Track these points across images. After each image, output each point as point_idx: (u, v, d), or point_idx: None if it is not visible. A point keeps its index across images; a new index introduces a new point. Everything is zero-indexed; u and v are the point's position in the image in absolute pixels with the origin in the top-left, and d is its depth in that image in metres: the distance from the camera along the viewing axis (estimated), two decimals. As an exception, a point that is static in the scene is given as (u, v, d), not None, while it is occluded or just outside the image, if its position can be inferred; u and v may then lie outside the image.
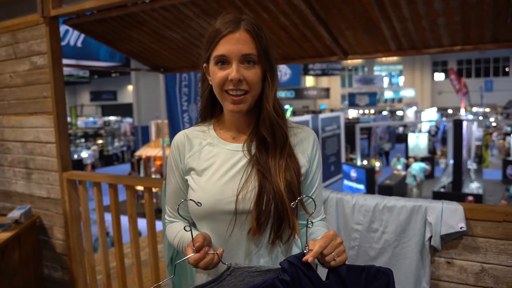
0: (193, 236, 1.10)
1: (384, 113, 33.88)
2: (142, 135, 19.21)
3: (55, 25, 2.82)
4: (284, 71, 24.18)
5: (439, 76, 33.36)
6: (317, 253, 1.04)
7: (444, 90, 32.03)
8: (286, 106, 27.34)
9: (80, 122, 29.72)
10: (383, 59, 32.34)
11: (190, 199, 1.18)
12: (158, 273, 2.71)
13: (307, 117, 15.81)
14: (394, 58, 31.80)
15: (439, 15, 2.33)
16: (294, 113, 29.00)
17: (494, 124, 24.76)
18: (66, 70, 16.85)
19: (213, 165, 1.24)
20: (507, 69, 31.11)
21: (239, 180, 1.20)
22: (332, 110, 29.76)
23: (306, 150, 1.29)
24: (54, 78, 2.81)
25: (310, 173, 1.29)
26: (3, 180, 3.30)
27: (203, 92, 1.31)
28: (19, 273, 2.95)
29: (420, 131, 22.57)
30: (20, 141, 3.10)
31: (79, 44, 10.06)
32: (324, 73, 26.81)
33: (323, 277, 1.09)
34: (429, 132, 22.24)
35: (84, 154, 21.50)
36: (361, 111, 34.46)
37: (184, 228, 1.16)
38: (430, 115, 25.59)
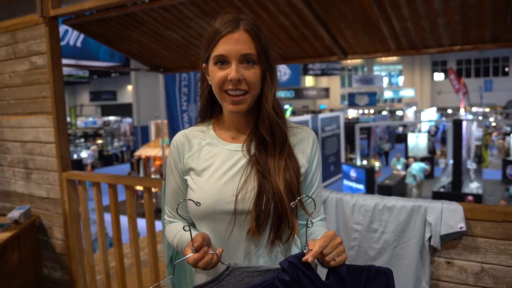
0: (192, 236, 1.10)
1: (384, 113, 33.90)
2: (142, 135, 19.20)
3: (55, 25, 2.82)
4: (283, 71, 24.18)
5: (439, 76, 33.38)
6: (317, 253, 1.04)
7: (443, 90, 32.04)
8: (286, 106, 27.40)
9: (80, 122, 29.72)
10: (383, 59, 32.35)
11: (190, 199, 1.18)
12: (158, 273, 2.71)
13: (307, 117, 15.81)
14: (394, 58, 31.81)
15: (438, 15, 2.33)
16: (293, 113, 29.00)
17: (493, 124, 24.77)
18: (66, 70, 16.85)
19: (212, 165, 1.24)
20: (506, 69, 31.12)
21: (239, 180, 1.20)
22: (331, 110, 29.76)
23: (306, 150, 1.29)
24: (53, 78, 2.81)
25: (309, 173, 1.29)
26: (2, 180, 3.30)
27: (203, 92, 1.31)
28: (18, 273, 2.95)
29: (419, 131, 22.58)
30: (20, 141, 3.10)
31: (78, 44, 10.06)
32: (324, 73, 26.82)
33: (323, 277, 1.09)
34: (428, 132, 22.25)
35: (84, 154, 21.50)
36: (360, 111, 34.48)
37: (183, 228, 1.16)
38: (430, 115, 25.59)
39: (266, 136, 1.21)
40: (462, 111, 23.33)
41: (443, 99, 32.57)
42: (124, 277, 2.87)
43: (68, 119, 25.92)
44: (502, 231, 1.67)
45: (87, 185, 3.23)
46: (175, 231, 1.31)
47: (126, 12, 2.72)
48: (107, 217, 2.81)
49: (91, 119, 31.68)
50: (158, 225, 2.91)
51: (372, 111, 34.44)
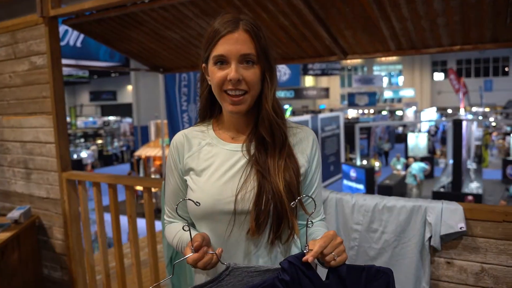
0: (192, 236, 1.10)
1: (384, 113, 33.90)
2: (142, 135, 19.21)
3: (55, 25, 2.81)
4: (283, 71, 24.18)
5: (439, 76, 33.38)
6: (317, 253, 1.04)
7: (443, 90, 32.04)
8: (286, 106, 27.39)
9: (80, 122, 29.72)
10: (383, 59, 32.35)
11: (189, 199, 1.18)
12: (158, 273, 2.71)
13: (307, 117, 15.81)
14: (394, 58, 31.82)
15: (438, 15, 2.33)
16: (293, 113, 29.00)
17: (493, 124, 24.77)
18: (66, 70, 16.85)
19: (212, 165, 1.24)
20: (506, 69, 31.13)
21: (238, 180, 1.20)
22: (331, 110, 29.76)
23: (306, 150, 1.29)
24: (53, 78, 2.80)
25: (309, 173, 1.29)
26: (2, 180, 3.30)
27: (202, 92, 1.31)
28: (18, 273, 2.95)
29: (419, 131, 22.59)
30: (20, 141, 3.10)
31: (78, 44, 10.06)
32: (324, 73, 26.82)
33: (323, 277, 1.09)
34: (428, 132, 22.25)
35: (84, 154, 21.51)
36: (360, 111, 34.48)
37: (183, 228, 1.16)
38: (430, 115, 25.60)
39: (265, 136, 1.21)
40: (462, 111, 23.34)
41: (443, 99, 32.58)
42: (124, 277, 2.86)
43: (68, 119, 25.92)
44: (502, 231, 1.67)
45: (87, 185, 3.23)
46: (175, 231, 1.31)
47: (126, 12, 2.72)
48: (107, 217, 2.81)
49: (91, 119, 31.69)
50: (158, 225, 2.91)
51: (372, 111, 34.44)
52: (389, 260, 1.86)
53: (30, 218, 3.05)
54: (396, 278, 1.19)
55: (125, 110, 32.44)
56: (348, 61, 32.01)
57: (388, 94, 35.23)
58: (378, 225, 1.88)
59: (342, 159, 16.82)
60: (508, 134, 21.62)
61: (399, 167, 14.94)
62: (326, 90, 31.42)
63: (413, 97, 32.84)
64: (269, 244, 1.20)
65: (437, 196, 11.19)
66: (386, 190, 12.36)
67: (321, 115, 16.51)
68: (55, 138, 2.86)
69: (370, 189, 11.92)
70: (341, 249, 1.07)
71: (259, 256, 1.21)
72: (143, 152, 14.57)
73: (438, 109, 30.77)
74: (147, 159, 14.79)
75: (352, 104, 29.17)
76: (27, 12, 3.00)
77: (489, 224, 1.70)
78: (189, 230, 1.11)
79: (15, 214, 2.95)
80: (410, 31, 2.60)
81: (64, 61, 2.99)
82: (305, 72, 26.56)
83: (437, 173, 16.15)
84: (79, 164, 19.29)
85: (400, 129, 28.24)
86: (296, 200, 1.13)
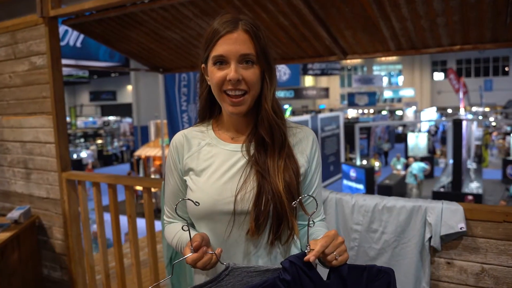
0: (191, 236, 1.10)
1: (384, 112, 33.91)
2: (142, 135, 19.20)
3: (54, 25, 2.81)
4: (283, 71, 24.19)
5: (439, 76, 33.39)
6: (319, 253, 1.03)
7: (443, 90, 32.05)
8: (286, 106, 27.39)
9: (80, 122, 29.75)
10: (382, 58, 32.35)
11: (188, 199, 1.18)
12: (157, 273, 2.70)
13: (307, 116, 15.81)
14: (393, 58, 31.83)
15: (438, 14, 2.33)
16: (293, 113, 29.00)
17: (493, 123, 24.78)
18: (66, 70, 16.86)
19: (211, 165, 1.24)
20: (506, 69, 31.13)
21: (238, 180, 1.20)
22: (331, 110, 29.76)
23: (305, 150, 1.29)
24: (53, 78, 2.80)
25: (309, 173, 1.29)
26: (2, 180, 3.30)
27: (202, 92, 1.30)
28: (18, 273, 2.95)
29: (419, 130, 22.59)
30: (20, 141, 3.09)
31: (78, 44, 10.07)
32: (324, 73, 26.81)
33: (324, 277, 1.09)
34: (428, 131, 22.25)
35: (84, 154, 21.52)
36: (360, 111, 34.49)
37: (182, 228, 1.16)
38: (430, 114, 25.60)
39: (265, 136, 1.21)
40: (462, 111, 23.33)
41: (443, 99, 32.59)
42: (123, 277, 2.86)
43: (68, 119, 25.94)
44: (503, 232, 1.67)
45: (87, 185, 3.23)
46: (174, 231, 1.31)
47: (125, 12, 2.72)
48: (107, 217, 2.81)
49: (91, 119, 31.73)
50: (157, 225, 2.91)
51: (371, 111, 34.46)
52: (389, 261, 1.86)
53: (30, 218, 3.05)
54: (396, 278, 1.19)
55: (125, 110, 32.45)
56: (348, 61, 32.03)
57: (388, 94, 35.25)
58: (378, 225, 1.88)
59: (342, 159, 16.82)
60: (508, 134, 21.62)
61: (399, 167, 14.94)
62: (326, 90, 31.41)
63: (413, 97, 32.85)
64: (269, 244, 1.20)
65: (437, 196, 11.19)
66: (386, 190, 12.36)
67: (321, 115, 16.52)
68: (55, 138, 2.86)
69: (370, 189, 11.92)
70: (342, 248, 1.07)
71: (258, 257, 1.21)
72: (143, 152, 14.58)
73: (438, 109, 30.78)
74: (147, 159, 14.80)
75: (352, 104, 29.18)
76: (27, 12, 3.00)
77: (490, 224, 1.70)
78: (189, 230, 1.10)
79: (15, 214, 2.94)
80: (410, 31, 2.60)
81: (64, 61, 2.98)
82: (305, 72, 26.56)
83: (437, 173, 16.15)
84: (79, 164, 19.30)
85: (400, 129, 28.25)
86: (298, 200, 1.13)
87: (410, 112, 28.25)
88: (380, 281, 1.11)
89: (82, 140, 26.00)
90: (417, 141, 18.44)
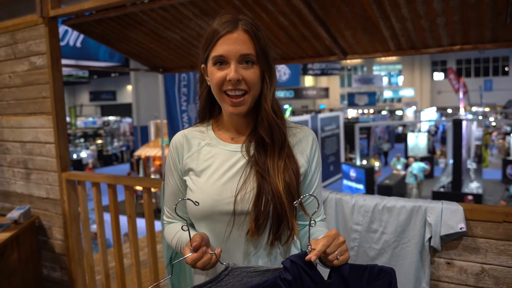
0: (191, 236, 1.10)
1: (384, 112, 33.92)
2: (141, 135, 19.20)
3: (54, 25, 2.81)
4: (283, 71, 24.19)
5: (439, 76, 33.40)
6: (320, 252, 1.03)
7: (443, 90, 32.06)
8: (286, 106, 27.39)
9: (80, 122, 29.76)
10: (382, 58, 32.36)
11: (188, 199, 1.18)
12: (157, 273, 2.70)
13: (307, 116, 15.81)
14: (393, 58, 31.83)
15: (438, 14, 2.33)
16: (293, 113, 29.01)
17: (493, 123, 24.78)
18: (66, 70, 16.86)
19: (211, 165, 1.24)
20: (506, 69, 31.14)
21: (238, 181, 1.20)
22: (331, 110, 29.77)
23: (305, 150, 1.28)
24: (53, 79, 2.80)
25: (309, 173, 1.29)
26: (2, 180, 3.30)
27: (201, 93, 1.30)
28: (18, 273, 2.95)
29: (419, 130, 22.60)
30: (19, 141, 3.09)
31: (78, 44, 10.08)
32: (323, 73, 26.82)
33: (324, 277, 1.09)
34: (428, 131, 22.25)
35: (84, 154, 21.53)
36: (360, 111, 34.50)
37: (182, 228, 1.16)
38: (430, 114, 25.60)
39: (265, 137, 1.21)
40: (462, 111, 23.34)
41: (442, 99, 32.60)
42: (123, 277, 2.86)
43: (68, 119, 25.94)
44: (503, 232, 1.67)
45: (87, 185, 3.23)
46: (174, 231, 1.31)
47: (125, 12, 2.72)
48: (107, 217, 2.80)
49: (90, 119, 31.74)
50: (157, 225, 2.91)
51: (371, 111, 34.46)
52: (389, 261, 1.86)
53: (29, 218, 3.05)
54: (396, 278, 1.19)
55: (125, 110, 32.45)
56: (348, 61, 32.03)
57: (388, 94, 35.26)
58: (378, 225, 1.88)
59: (342, 159, 16.82)
60: (508, 134, 21.63)
61: (399, 167, 14.94)
62: (326, 90, 31.42)
63: (413, 97, 32.86)
64: (269, 245, 1.20)
65: (437, 196, 11.18)
66: (386, 190, 12.36)
67: (321, 115, 16.52)
68: (54, 138, 2.86)
69: (370, 189, 11.92)
70: (343, 248, 1.07)
71: (258, 257, 1.21)
72: (143, 152, 14.58)
73: (438, 109, 30.79)
74: (147, 159, 14.80)
75: (351, 104, 29.19)
76: (27, 12, 3.00)
77: (489, 224, 1.69)
78: (188, 229, 1.10)
79: (14, 214, 2.94)
80: (410, 31, 2.59)
81: (64, 61, 2.98)
82: (305, 72, 26.56)
83: (437, 173, 16.15)
84: (79, 164, 19.30)
85: (400, 129, 28.26)
86: (300, 199, 1.12)
87: (410, 112, 28.26)
88: (381, 281, 1.11)
89: (82, 140, 26.00)
90: (417, 141, 18.44)
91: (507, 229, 1.66)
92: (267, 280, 1.06)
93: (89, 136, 26.79)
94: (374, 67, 35.94)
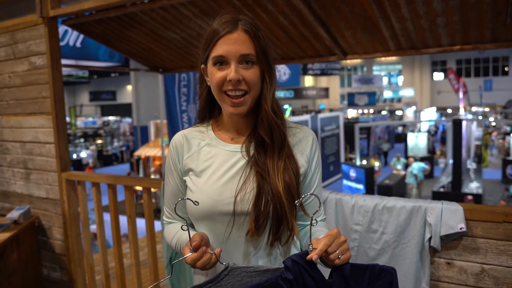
0: (191, 236, 1.10)
1: (383, 112, 33.92)
2: (141, 135, 19.20)
3: (54, 25, 2.81)
4: (283, 71, 24.19)
5: (438, 76, 33.40)
6: (321, 251, 1.03)
7: (443, 90, 32.06)
8: (285, 106, 27.39)
9: (80, 122, 29.76)
10: (382, 58, 32.36)
11: (188, 198, 1.18)
12: (157, 273, 2.70)
13: (306, 116, 15.81)
14: (393, 58, 31.83)
15: (438, 14, 2.33)
16: (293, 113, 29.00)
17: (493, 123, 24.78)
18: (65, 70, 16.86)
19: (211, 166, 1.24)
20: (506, 69, 31.14)
21: (238, 181, 1.20)
22: (331, 110, 29.76)
23: (305, 150, 1.28)
24: (53, 79, 2.80)
25: (309, 173, 1.29)
26: (2, 180, 3.30)
27: (201, 93, 1.30)
28: (18, 274, 2.95)
29: (419, 130, 22.60)
30: (19, 141, 3.09)
31: (78, 44, 10.08)
32: (323, 73, 26.82)
33: (325, 277, 1.09)
34: (428, 131, 22.25)
35: (83, 154, 21.53)
36: (360, 111, 34.50)
37: (181, 228, 1.16)
38: (430, 114, 25.60)
39: (265, 137, 1.21)
40: (461, 111, 23.35)
41: (442, 99, 32.60)
42: (123, 277, 2.86)
43: (68, 119, 25.93)
44: (503, 232, 1.67)
45: (87, 185, 3.23)
46: (174, 231, 1.30)
47: (125, 13, 2.72)
48: (107, 217, 2.80)
49: (90, 119, 31.74)
50: (157, 225, 2.91)
51: (371, 111, 34.47)
52: (389, 261, 1.86)
53: (29, 218, 3.05)
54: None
55: (124, 110, 32.45)
56: (348, 61, 32.02)
57: (387, 94, 35.26)
58: (378, 225, 1.88)
59: (342, 159, 16.82)
60: (508, 134, 21.63)
61: (399, 167, 14.94)
62: (326, 90, 31.42)
63: (412, 97, 32.85)
64: (269, 245, 1.20)
65: (437, 196, 11.18)
66: (385, 190, 12.36)
67: (320, 115, 16.51)
68: (54, 139, 2.86)
69: (369, 189, 11.92)
70: (345, 247, 1.07)
71: (258, 258, 1.21)
72: (143, 152, 14.57)
73: (438, 109, 30.79)
74: (147, 159, 14.79)
75: (351, 104, 29.19)
76: (27, 12, 3.00)
77: (489, 224, 1.69)
78: (188, 229, 1.10)
79: (14, 214, 2.94)
80: (410, 31, 2.59)
81: (64, 61, 2.98)
82: (305, 72, 26.56)
83: (436, 173, 16.15)
84: (78, 164, 19.31)
85: (400, 129, 28.26)
86: (301, 198, 1.12)
87: (410, 112, 28.25)
88: (382, 280, 1.11)
89: (82, 140, 25.99)
90: (417, 141, 18.44)
91: (507, 229, 1.66)
92: (268, 279, 1.06)
93: (89, 136, 26.78)
94: (374, 67, 35.94)
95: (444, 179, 13.29)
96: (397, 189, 12.84)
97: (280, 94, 1.31)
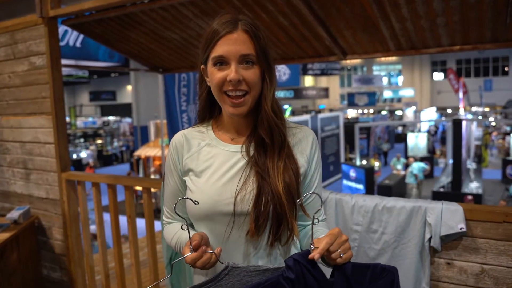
0: (190, 235, 1.10)
1: (383, 112, 33.92)
2: (141, 135, 19.20)
3: (54, 25, 2.81)
4: (283, 71, 24.20)
5: (438, 76, 33.40)
6: (323, 250, 1.03)
7: (443, 90, 32.06)
8: (285, 106, 27.39)
9: (80, 122, 29.76)
10: (382, 58, 32.35)
11: (188, 198, 1.18)
12: (157, 273, 2.70)
13: (306, 116, 15.81)
14: (393, 58, 31.82)
15: (438, 15, 2.33)
16: (293, 113, 29.00)
17: (493, 123, 24.78)
18: (65, 70, 16.86)
19: (211, 166, 1.24)
20: (506, 69, 31.13)
21: (238, 181, 1.19)
22: (331, 110, 29.76)
23: (305, 150, 1.28)
24: (53, 79, 2.80)
25: (309, 173, 1.28)
26: (2, 180, 3.30)
27: (201, 93, 1.30)
28: (18, 274, 2.95)
29: (419, 130, 22.60)
30: (19, 141, 3.09)
31: (78, 44, 10.08)
32: (323, 73, 26.81)
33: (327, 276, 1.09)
34: (428, 131, 22.25)
35: (83, 154, 21.54)
36: (360, 111, 34.50)
37: (181, 227, 1.16)
38: (429, 114, 25.60)
39: (264, 137, 1.21)
40: (461, 111, 23.34)
41: (442, 99, 32.59)
42: (123, 278, 2.86)
43: (68, 119, 25.93)
44: (503, 232, 1.67)
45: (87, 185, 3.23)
46: (174, 231, 1.30)
47: (125, 13, 2.72)
48: (106, 217, 2.80)
49: (90, 119, 31.74)
50: (157, 225, 2.91)
51: (371, 111, 34.47)
52: (389, 261, 1.86)
53: (29, 218, 3.05)
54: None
55: (124, 110, 32.45)
56: (348, 61, 32.01)
57: (387, 94, 35.25)
58: (378, 225, 1.88)
59: (342, 159, 16.82)
60: (508, 134, 21.63)
61: (399, 167, 14.94)
62: (326, 90, 31.42)
63: (412, 97, 32.85)
64: (269, 245, 1.20)
65: (436, 196, 11.18)
66: (385, 190, 12.36)
67: (320, 115, 16.51)
68: (54, 139, 2.86)
69: (369, 189, 11.92)
70: (346, 246, 1.07)
71: (258, 258, 1.21)
72: (143, 152, 14.58)
73: (438, 109, 30.78)
74: (147, 159, 14.79)
75: (351, 104, 29.19)
76: (27, 12, 3.00)
77: (489, 224, 1.69)
78: (188, 229, 1.10)
79: (14, 214, 2.94)
80: (410, 31, 2.59)
81: (64, 61, 2.98)
82: (305, 72, 26.55)
83: (436, 173, 16.15)
84: (78, 164, 19.31)
85: (400, 129, 28.26)
86: (302, 198, 1.12)
87: (409, 112, 28.26)
88: (383, 280, 1.11)
89: (81, 140, 25.99)
90: (417, 141, 18.44)
91: (507, 229, 1.66)
92: (269, 278, 1.06)
93: (89, 136, 26.78)
94: (374, 67, 35.94)
95: (444, 179, 13.29)
96: (397, 189, 12.84)
97: (280, 94, 1.31)
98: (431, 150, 19.42)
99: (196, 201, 1.16)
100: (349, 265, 1.07)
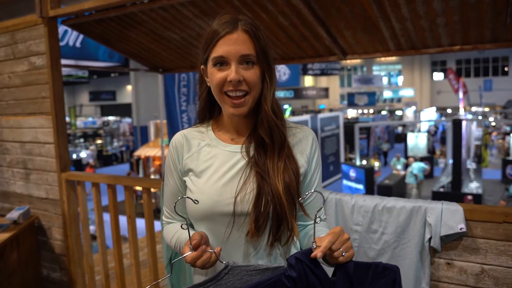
0: (190, 235, 1.10)
1: (383, 112, 33.92)
2: (141, 135, 19.21)
3: (54, 25, 2.81)
4: (283, 71, 24.20)
5: (438, 76, 33.40)
6: (326, 249, 1.03)
7: (443, 90, 32.06)
8: (285, 106, 27.38)
9: (79, 122, 29.75)
10: (382, 58, 32.34)
11: (188, 197, 1.18)
12: (157, 273, 2.70)
13: (306, 116, 15.81)
14: (393, 58, 31.82)
15: (438, 15, 2.33)
16: (293, 113, 29.00)
17: (493, 123, 24.78)
18: (65, 70, 16.87)
19: (211, 166, 1.24)
20: (506, 69, 31.14)
21: (238, 181, 1.19)
22: (331, 110, 29.76)
23: (305, 150, 1.28)
24: (52, 79, 2.80)
25: (309, 173, 1.28)
26: (1, 180, 3.29)
27: (201, 94, 1.30)
28: (17, 274, 2.95)
29: (419, 130, 22.60)
30: (19, 141, 3.09)
31: (78, 44, 10.08)
32: (323, 73, 26.81)
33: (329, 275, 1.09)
34: (428, 131, 22.25)
35: (83, 154, 21.54)
36: (360, 111, 34.50)
37: (181, 226, 1.16)
38: (429, 114, 25.60)
39: (264, 137, 1.21)
40: (461, 111, 23.34)
41: (442, 99, 32.60)
42: (123, 278, 2.86)
43: (68, 119, 25.93)
44: (503, 232, 1.67)
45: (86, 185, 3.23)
46: (173, 231, 1.30)
47: (125, 13, 2.72)
48: (106, 217, 2.80)
49: (90, 119, 31.74)
50: (157, 225, 2.91)
51: (371, 111, 34.47)
52: (389, 261, 1.85)
53: (29, 218, 3.05)
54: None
55: (124, 110, 32.45)
56: (348, 61, 32.01)
57: (387, 94, 35.26)
58: (378, 226, 1.88)
59: (342, 159, 16.81)
60: (508, 134, 21.63)
61: (399, 167, 14.94)
62: (326, 90, 31.41)
63: (412, 97, 32.86)
64: (269, 246, 1.20)
65: (436, 196, 11.18)
66: (385, 190, 12.36)
67: (320, 115, 16.51)
68: (54, 139, 2.86)
69: (369, 189, 11.91)
70: (348, 245, 1.07)
71: (258, 258, 1.20)
72: (143, 152, 14.58)
73: (438, 109, 30.78)
74: (147, 159, 14.80)
75: (351, 104, 29.19)
76: (27, 12, 3.00)
77: (489, 225, 1.69)
78: (187, 228, 1.10)
79: (14, 214, 2.94)
80: (410, 31, 2.59)
81: (64, 61, 2.98)
82: (305, 72, 26.55)
83: (436, 173, 16.15)
84: (78, 164, 19.31)
85: (400, 129, 28.26)
86: (303, 197, 1.12)
87: (409, 112, 28.26)
88: (385, 279, 1.11)
89: (81, 140, 25.99)
90: (417, 141, 18.44)
91: (507, 230, 1.66)
92: (271, 277, 1.06)
93: (89, 136, 26.78)
94: (374, 67, 35.95)
95: (444, 179, 13.30)
96: (397, 189, 12.84)
97: (280, 94, 1.31)
98: (431, 150, 19.43)
99: (196, 200, 1.15)
100: (351, 264, 1.07)
